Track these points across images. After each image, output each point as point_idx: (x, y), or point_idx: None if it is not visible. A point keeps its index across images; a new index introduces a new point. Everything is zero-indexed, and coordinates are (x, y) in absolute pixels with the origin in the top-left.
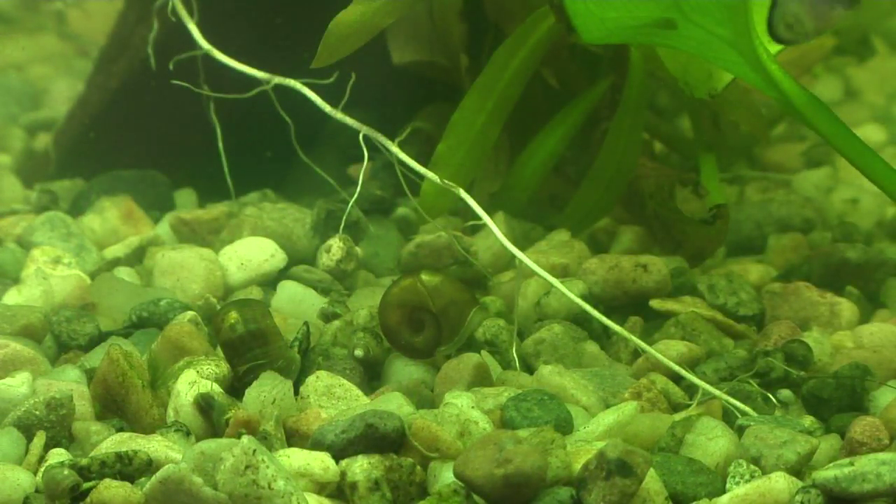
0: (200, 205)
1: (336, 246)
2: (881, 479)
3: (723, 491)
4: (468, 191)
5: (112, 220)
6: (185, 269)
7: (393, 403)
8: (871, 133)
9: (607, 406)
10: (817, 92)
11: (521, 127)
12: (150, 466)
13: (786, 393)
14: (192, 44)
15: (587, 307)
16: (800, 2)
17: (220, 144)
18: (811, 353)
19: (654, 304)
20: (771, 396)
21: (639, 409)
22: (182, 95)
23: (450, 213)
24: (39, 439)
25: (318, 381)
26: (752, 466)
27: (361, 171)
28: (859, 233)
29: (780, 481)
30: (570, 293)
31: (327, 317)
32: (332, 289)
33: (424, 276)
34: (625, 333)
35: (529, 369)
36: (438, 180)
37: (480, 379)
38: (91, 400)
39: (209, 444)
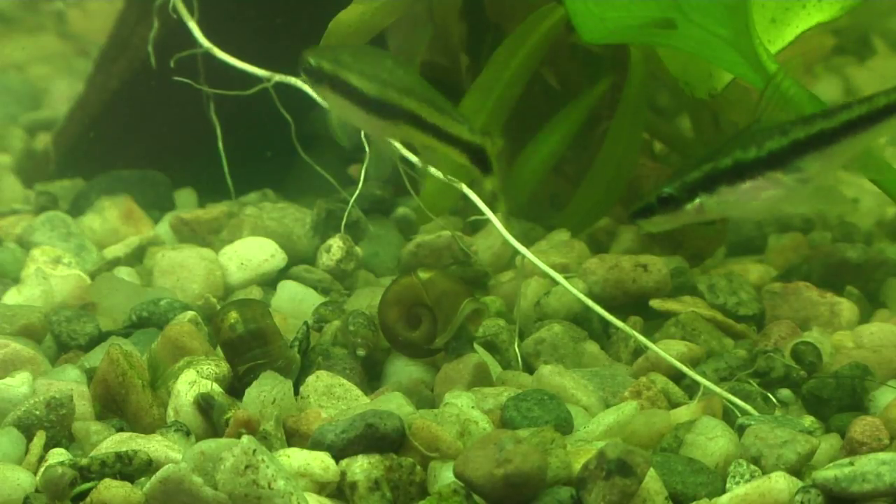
0: (200, 205)
1: (336, 246)
2: (881, 479)
3: (723, 491)
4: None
5: (112, 220)
6: (185, 269)
7: (393, 403)
8: None
9: (607, 406)
10: (817, 92)
11: (521, 127)
12: (150, 466)
13: (786, 393)
14: (193, 43)
15: (589, 302)
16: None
17: (220, 144)
18: (820, 360)
19: (654, 303)
20: (771, 396)
21: (639, 408)
22: (182, 95)
23: (450, 213)
24: (39, 439)
25: (318, 381)
26: (752, 466)
27: (362, 171)
28: (859, 233)
29: (780, 481)
30: (573, 288)
31: (320, 325)
32: (332, 289)
33: (420, 273)
34: (627, 329)
35: (529, 369)
36: (442, 176)
37: (480, 379)
38: (91, 400)
39: (209, 444)
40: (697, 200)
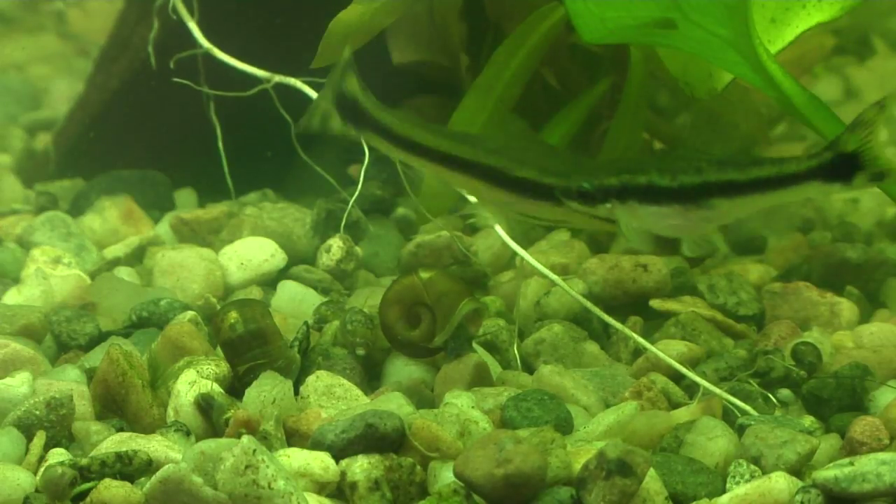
0: (200, 205)
1: (336, 246)
2: (881, 479)
3: (723, 491)
4: None
5: (112, 220)
6: (185, 269)
7: (393, 403)
8: None
9: (607, 406)
10: (817, 92)
11: None
12: (150, 466)
13: (786, 393)
14: (193, 43)
15: (587, 303)
16: None
17: (220, 144)
18: (820, 360)
19: (654, 303)
20: (771, 396)
21: (639, 408)
22: (182, 95)
23: (449, 214)
24: (39, 439)
25: (318, 381)
26: (752, 466)
27: (361, 171)
28: (859, 233)
29: (780, 481)
30: (570, 289)
31: (320, 325)
32: (332, 289)
33: (421, 272)
34: (626, 331)
35: (529, 369)
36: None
37: (480, 379)
38: (91, 400)
39: (209, 444)
40: (608, 205)
